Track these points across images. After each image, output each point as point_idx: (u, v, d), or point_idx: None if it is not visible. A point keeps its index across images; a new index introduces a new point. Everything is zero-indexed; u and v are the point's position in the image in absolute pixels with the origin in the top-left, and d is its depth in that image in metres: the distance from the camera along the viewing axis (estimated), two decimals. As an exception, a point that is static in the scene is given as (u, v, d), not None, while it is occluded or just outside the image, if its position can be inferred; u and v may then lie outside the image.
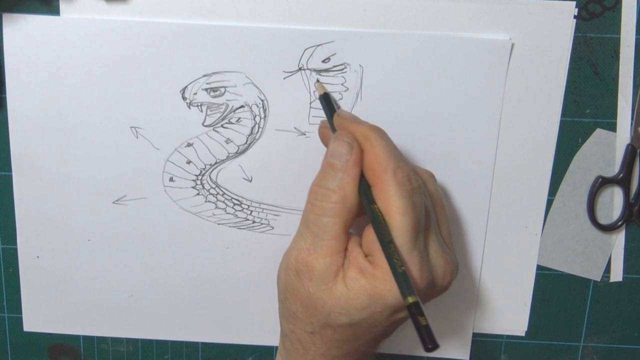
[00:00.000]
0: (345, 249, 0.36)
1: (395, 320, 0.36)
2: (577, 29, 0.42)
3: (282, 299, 0.39)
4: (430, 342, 0.31)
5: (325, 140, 0.41)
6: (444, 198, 0.41)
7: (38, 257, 0.47)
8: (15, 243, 0.47)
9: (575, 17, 0.42)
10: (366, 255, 0.36)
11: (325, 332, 0.36)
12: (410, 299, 0.32)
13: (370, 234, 0.36)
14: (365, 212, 0.36)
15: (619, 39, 0.43)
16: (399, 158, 0.37)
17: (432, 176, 0.41)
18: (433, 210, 0.38)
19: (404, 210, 0.35)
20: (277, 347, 0.48)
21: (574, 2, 0.42)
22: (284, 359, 0.40)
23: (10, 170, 0.45)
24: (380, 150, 0.36)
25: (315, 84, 0.43)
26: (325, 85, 0.43)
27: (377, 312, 0.35)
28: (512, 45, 0.42)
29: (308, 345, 0.37)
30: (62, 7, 0.42)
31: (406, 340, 0.48)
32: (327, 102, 0.42)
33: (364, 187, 0.36)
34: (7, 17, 0.42)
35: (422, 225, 0.36)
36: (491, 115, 0.44)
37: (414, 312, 0.32)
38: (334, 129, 0.40)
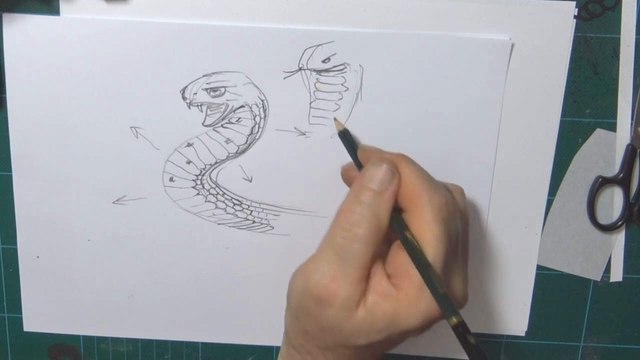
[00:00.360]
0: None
1: (409, 337, 0.36)
2: (577, 29, 0.42)
3: (294, 316, 0.37)
4: None
5: (349, 181, 0.40)
6: (469, 214, 0.40)
7: (38, 257, 0.47)
8: (15, 243, 0.47)
9: (575, 17, 0.42)
10: (389, 277, 0.35)
11: (339, 350, 0.36)
12: (455, 319, 0.32)
13: (398, 257, 0.35)
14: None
15: (619, 39, 0.43)
16: (433, 182, 0.36)
17: (462, 192, 0.40)
18: (461, 230, 0.37)
19: (439, 236, 0.34)
20: (277, 348, 0.48)
21: (574, 2, 0.42)
22: None
23: (10, 170, 0.45)
24: (413, 175, 0.36)
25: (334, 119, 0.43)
26: (324, 85, 0.43)
27: (395, 334, 0.35)
28: (512, 45, 0.42)
29: (318, 357, 0.37)
30: (62, 7, 0.42)
31: (408, 340, 0.48)
32: (348, 138, 0.41)
33: (395, 213, 0.36)
34: (7, 17, 0.42)
35: (454, 251, 0.35)
36: (491, 115, 0.44)
37: (461, 331, 0.32)
38: (358, 165, 0.39)
